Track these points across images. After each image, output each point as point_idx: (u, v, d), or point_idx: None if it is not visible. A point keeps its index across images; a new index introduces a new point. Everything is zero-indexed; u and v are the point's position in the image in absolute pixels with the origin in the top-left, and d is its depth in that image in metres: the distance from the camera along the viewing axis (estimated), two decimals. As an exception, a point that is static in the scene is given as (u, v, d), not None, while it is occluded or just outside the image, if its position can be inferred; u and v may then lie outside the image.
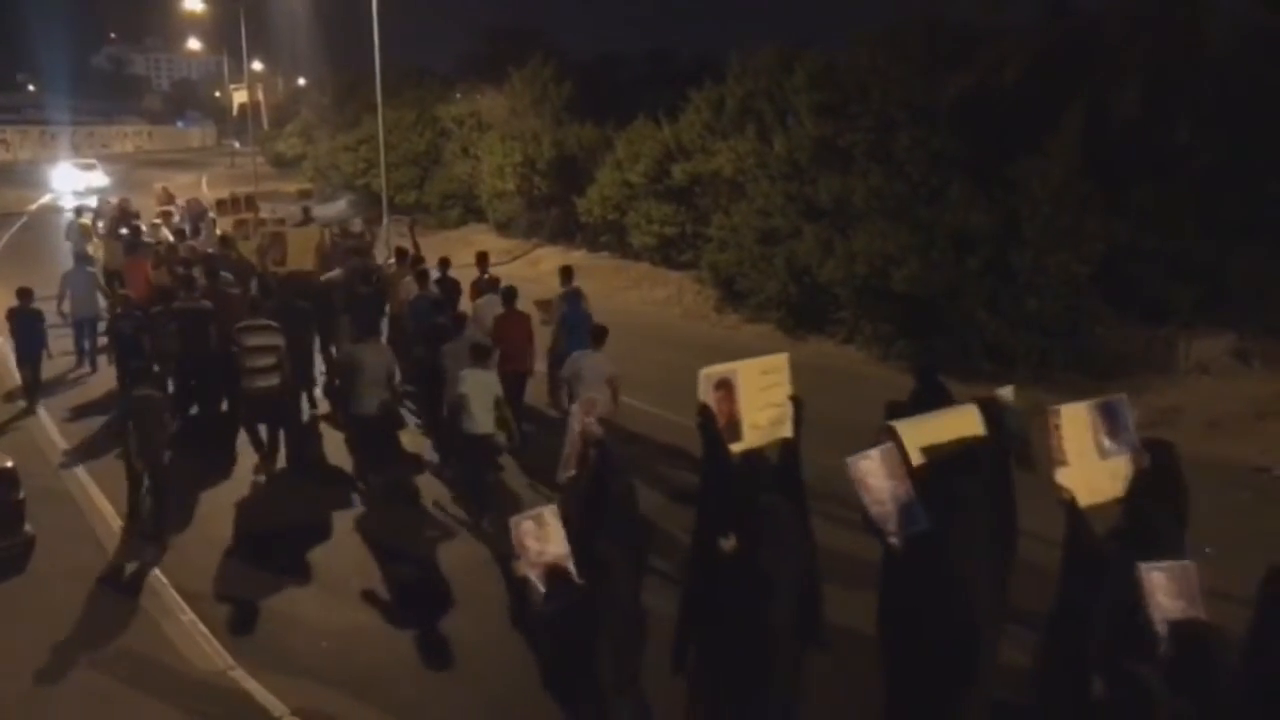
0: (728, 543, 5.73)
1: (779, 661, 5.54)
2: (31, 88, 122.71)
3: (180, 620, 8.20)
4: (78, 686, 7.22)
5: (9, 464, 8.46)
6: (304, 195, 33.63)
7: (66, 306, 15.01)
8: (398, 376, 11.05)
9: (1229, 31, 15.30)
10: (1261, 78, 14.66)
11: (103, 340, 14.59)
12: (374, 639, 7.96)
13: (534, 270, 26.37)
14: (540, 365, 12.53)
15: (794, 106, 19.76)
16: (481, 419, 9.68)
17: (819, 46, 21.39)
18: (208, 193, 28.21)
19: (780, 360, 6.79)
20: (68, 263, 16.27)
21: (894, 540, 5.81)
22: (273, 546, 9.59)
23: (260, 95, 55.12)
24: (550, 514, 5.65)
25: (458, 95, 37.14)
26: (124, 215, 21.52)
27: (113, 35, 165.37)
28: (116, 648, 7.75)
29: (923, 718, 5.65)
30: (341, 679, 7.34)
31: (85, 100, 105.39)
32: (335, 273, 14.79)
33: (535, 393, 12.56)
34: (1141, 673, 4.68)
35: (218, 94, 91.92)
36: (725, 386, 6.52)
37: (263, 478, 10.99)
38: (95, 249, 19.05)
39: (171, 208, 23.76)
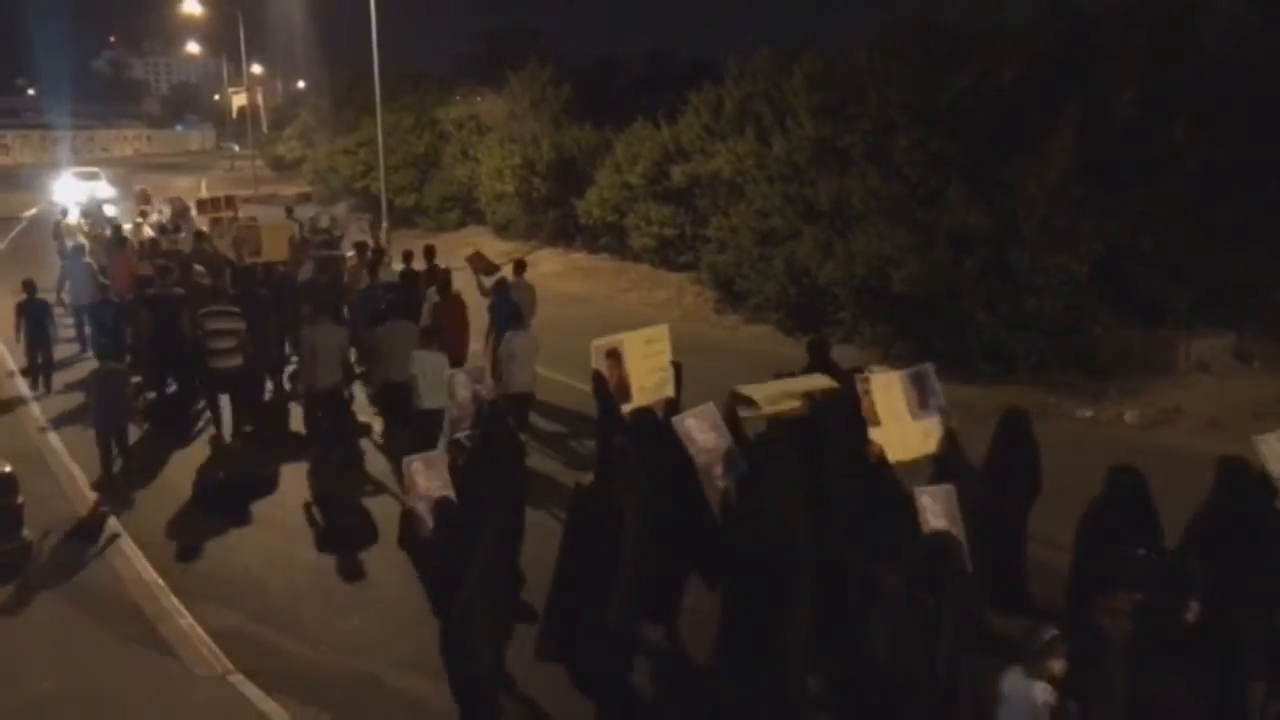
0: (584, 480, 6.96)
1: (632, 580, 6.54)
2: (31, 91, 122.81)
3: (179, 624, 8.21)
4: (77, 694, 7.24)
5: (7, 469, 8.47)
6: (303, 199, 33.76)
7: (66, 295, 16.56)
8: (352, 356, 12.53)
9: (1225, 31, 15.28)
10: (1258, 77, 14.66)
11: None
12: (369, 639, 7.98)
13: (533, 272, 26.19)
14: (475, 345, 13.36)
15: (792, 108, 19.74)
16: (429, 395, 10.17)
17: (817, 48, 21.36)
18: (205, 194, 28.88)
19: (661, 330, 8.21)
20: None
21: (720, 482, 6.96)
22: (236, 509, 10.48)
23: (259, 98, 55.08)
24: (438, 457, 6.70)
25: (457, 98, 37.10)
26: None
27: (112, 39, 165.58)
28: (115, 653, 7.76)
29: (747, 639, 6.37)
30: (337, 682, 7.36)
31: (85, 104, 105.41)
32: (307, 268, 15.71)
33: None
34: (878, 571, 5.73)
35: (217, 97, 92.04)
36: (614, 355, 7.92)
37: (222, 444, 12.03)
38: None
39: (148, 207, 25.12)
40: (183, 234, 20.13)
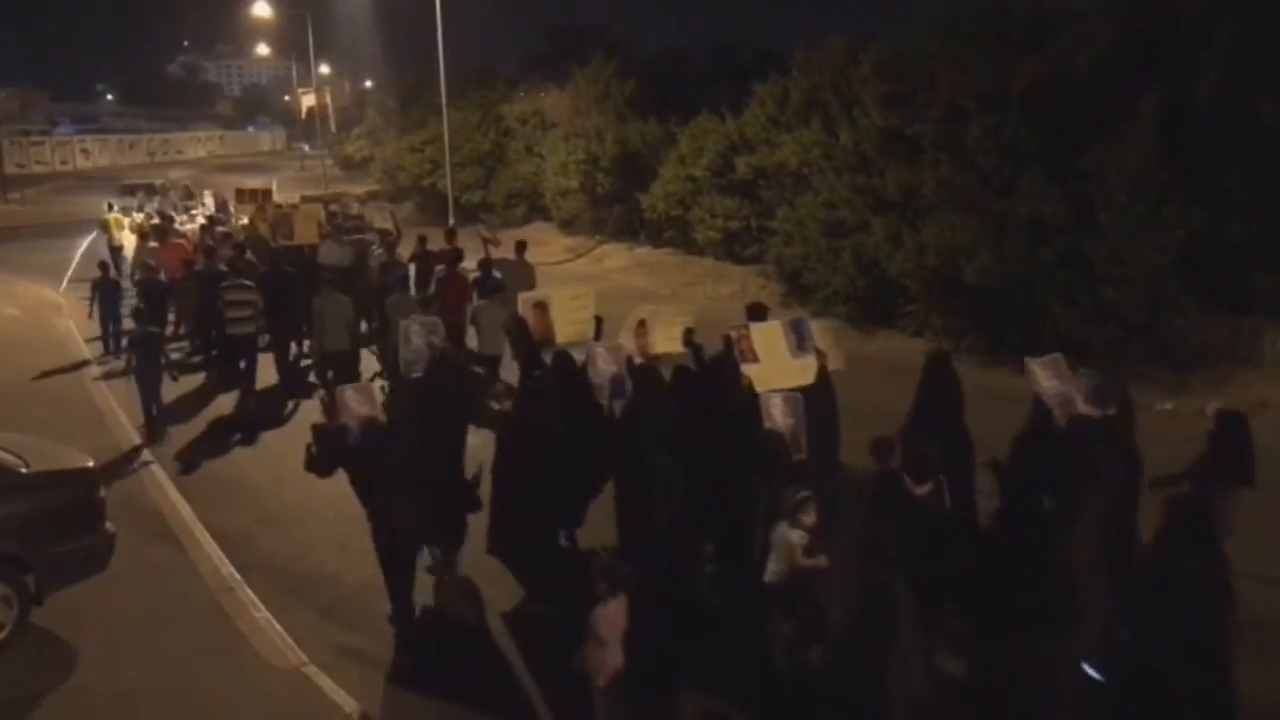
0: (500, 404, 9.56)
1: (549, 489, 8.34)
2: (110, 97, 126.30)
3: (254, 617, 8.33)
4: (162, 683, 7.37)
5: (89, 463, 8.63)
6: (372, 196, 34.49)
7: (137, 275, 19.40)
8: (361, 322, 14.79)
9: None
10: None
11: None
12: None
13: (598, 267, 26.38)
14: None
15: (860, 97, 19.43)
16: None
17: (885, 36, 21.03)
18: (277, 194, 30.18)
19: (586, 289, 10.55)
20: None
21: (603, 402, 8.66)
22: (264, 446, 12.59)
23: (328, 99, 55.57)
24: (365, 387, 8.69)
25: (521, 94, 37.25)
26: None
27: (186, 44, 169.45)
28: (194, 645, 7.90)
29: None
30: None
31: (160, 108, 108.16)
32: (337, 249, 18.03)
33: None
34: (656, 457, 7.63)
35: (287, 98, 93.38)
36: (541, 306, 9.98)
37: (244, 402, 14.18)
38: (127, 239, 23.53)
39: (191, 202, 29.55)
40: (228, 222, 23.28)
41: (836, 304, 18.42)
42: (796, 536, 6.57)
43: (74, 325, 19.12)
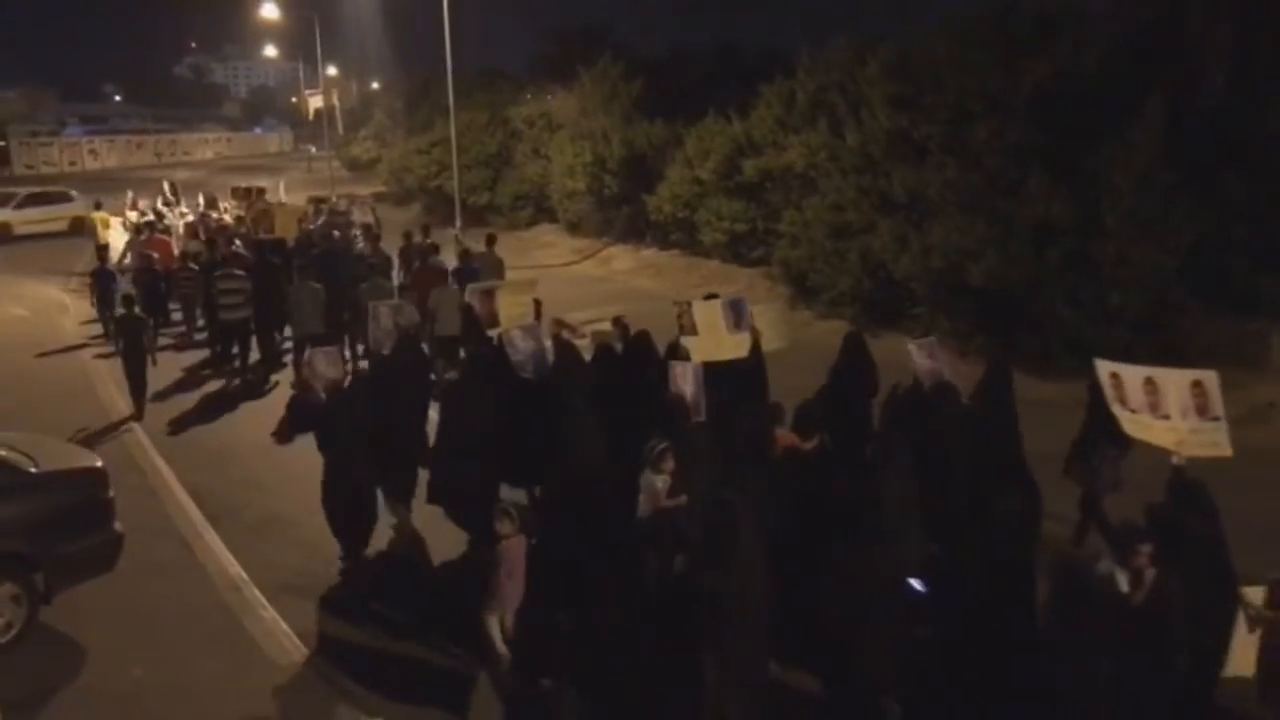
0: (449, 374, 10.31)
1: (486, 446, 8.96)
2: (118, 98, 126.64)
3: (261, 617, 8.37)
4: (169, 682, 7.42)
5: (98, 464, 8.67)
6: (379, 198, 34.68)
7: (128, 262, 20.27)
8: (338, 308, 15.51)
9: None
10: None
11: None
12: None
13: (605, 269, 26.41)
14: None
15: (867, 99, 19.41)
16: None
17: (892, 38, 21.01)
18: (284, 196, 30.39)
19: (528, 281, 12.21)
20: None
21: (526, 375, 9.50)
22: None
23: (335, 100, 55.60)
24: (333, 351, 9.92)
25: (528, 96, 37.25)
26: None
27: (193, 44, 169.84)
28: (201, 644, 7.95)
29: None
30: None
31: (167, 108, 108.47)
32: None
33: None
34: (573, 398, 8.61)
35: (294, 99, 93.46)
36: (488, 293, 11.30)
37: (235, 380, 15.61)
38: (114, 236, 23.37)
39: (173, 198, 29.96)
40: (216, 217, 25.02)
41: (843, 306, 18.40)
42: (660, 481, 7.50)
43: (80, 325, 19.34)
